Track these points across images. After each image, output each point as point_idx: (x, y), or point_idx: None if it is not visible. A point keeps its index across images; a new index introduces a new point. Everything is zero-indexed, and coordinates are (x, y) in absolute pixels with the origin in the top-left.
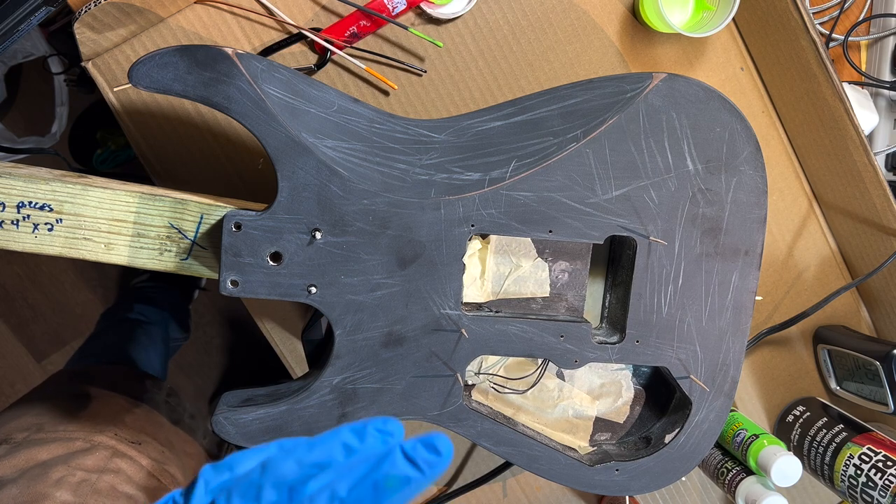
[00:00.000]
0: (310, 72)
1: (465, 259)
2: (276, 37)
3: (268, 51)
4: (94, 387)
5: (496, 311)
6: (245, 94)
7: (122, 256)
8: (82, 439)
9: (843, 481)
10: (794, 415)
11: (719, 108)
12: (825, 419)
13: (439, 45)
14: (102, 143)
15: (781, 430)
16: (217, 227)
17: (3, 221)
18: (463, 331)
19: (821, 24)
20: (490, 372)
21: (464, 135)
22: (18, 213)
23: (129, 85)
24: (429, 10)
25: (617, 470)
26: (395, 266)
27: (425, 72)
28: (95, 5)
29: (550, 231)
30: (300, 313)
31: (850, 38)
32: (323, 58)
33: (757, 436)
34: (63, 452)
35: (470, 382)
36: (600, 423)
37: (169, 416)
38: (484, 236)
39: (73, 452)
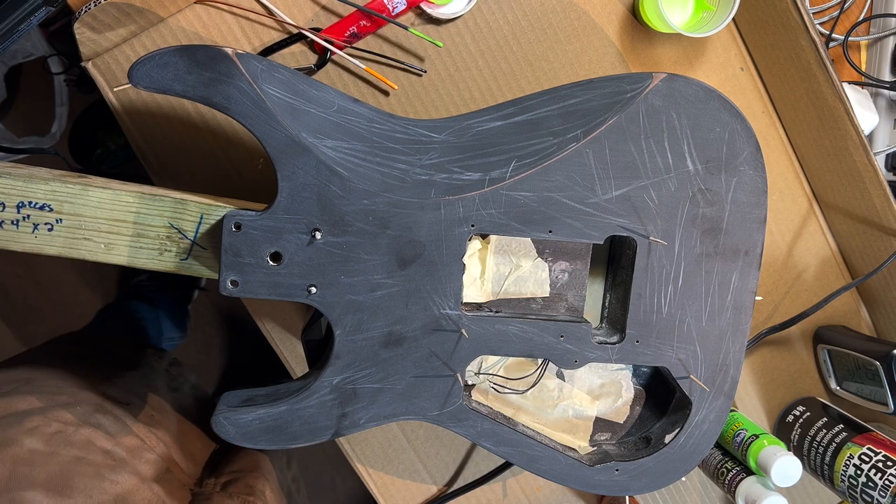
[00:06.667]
0: (310, 72)
1: (465, 259)
2: (276, 37)
3: (268, 51)
4: (93, 350)
5: (496, 311)
6: (245, 94)
7: (122, 256)
8: (67, 394)
9: (843, 481)
10: (794, 415)
11: (719, 107)
12: (825, 419)
13: (439, 45)
14: (102, 144)
15: (781, 430)
16: (217, 227)
17: (3, 221)
18: (463, 331)
19: (821, 24)
20: (490, 372)
21: (464, 135)
22: (18, 213)
23: (129, 85)
24: (429, 10)
25: (617, 470)
26: (395, 266)
27: (425, 72)
28: (95, 5)
29: (550, 231)
30: (300, 313)
31: (850, 38)
32: (323, 58)
33: (757, 436)
34: (44, 404)
35: (470, 382)
36: (600, 423)
37: (167, 384)
38: (484, 236)
39: (55, 405)
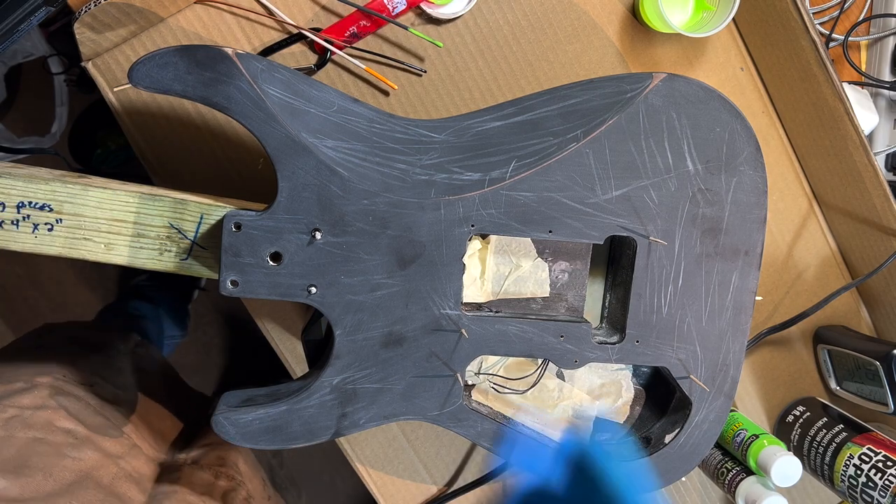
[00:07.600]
0: (310, 72)
1: (465, 259)
2: (276, 37)
3: (268, 51)
4: (54, 339)
5: (496, 311)
6: (245, 94)
7: (122, 256)
8: (23, 381)
9: (843, 481)
10: (794, 415)
11: (719, 108)
12: (825, 419)
13: (439, 45)
14: (102, 144)
15: (781, 430)
16: (217, 227)
17: (3, 221)
18: (463, 331)
19: (821, 24)
20: (490, 372)
21: (464, 135)
22: (18, 213)
23: (129, 85)
24: (429, 10)
25: None
26: (395, 266)
27: (425, 72)
28: (95, 5)
29: (550, 231)
30: (300, 313)
31: (850, 38)
32: (323, 58)
33: (757, 436)
34: None
35: (470, 382)
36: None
37: (133, 365)
38: (484, 236)
39: (10, 393)
